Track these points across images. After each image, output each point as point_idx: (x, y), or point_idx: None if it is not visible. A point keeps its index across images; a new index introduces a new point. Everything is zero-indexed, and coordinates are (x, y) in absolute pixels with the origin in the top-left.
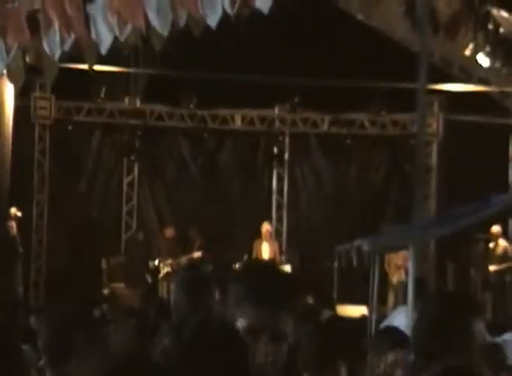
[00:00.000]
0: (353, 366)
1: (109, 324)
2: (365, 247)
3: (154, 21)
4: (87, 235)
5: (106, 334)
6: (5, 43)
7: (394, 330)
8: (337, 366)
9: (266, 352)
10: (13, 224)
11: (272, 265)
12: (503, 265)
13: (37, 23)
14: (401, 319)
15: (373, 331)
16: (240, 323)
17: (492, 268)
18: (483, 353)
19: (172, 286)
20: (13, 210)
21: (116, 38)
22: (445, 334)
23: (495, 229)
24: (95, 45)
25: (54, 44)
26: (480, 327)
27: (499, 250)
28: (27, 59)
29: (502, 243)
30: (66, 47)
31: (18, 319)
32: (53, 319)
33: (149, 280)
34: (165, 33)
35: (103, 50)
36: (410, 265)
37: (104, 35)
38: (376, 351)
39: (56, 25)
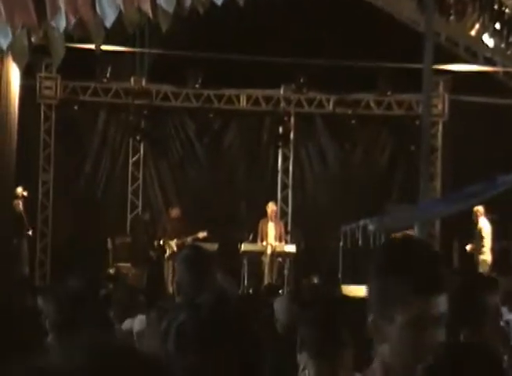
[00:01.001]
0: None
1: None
2: (371, 227)
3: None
4: (92, 215)
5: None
6: (12, 23)
7: None
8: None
9: None
10: (20, 203)
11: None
12: (471, 245)
13: (44, 4)
14: None
15: None
16: None
17: (467, 247)
18: (498, 329)
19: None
20: (20, 189)
21: (121, 18)
22: (461, 311)
23: (478, 208)
24: (102, 25)
25: (60, 24)
26: (495, 303)
27: (477, 228)
28: (33, 39)
29: (481, 222)
30: (72, 27)
31: (24, 298)
32: (61, 297)
33: (154, 258)
34: (171, 11)
35: (108, 24)
36: None
37: (108, 10)
38: None
39: (62, 5)
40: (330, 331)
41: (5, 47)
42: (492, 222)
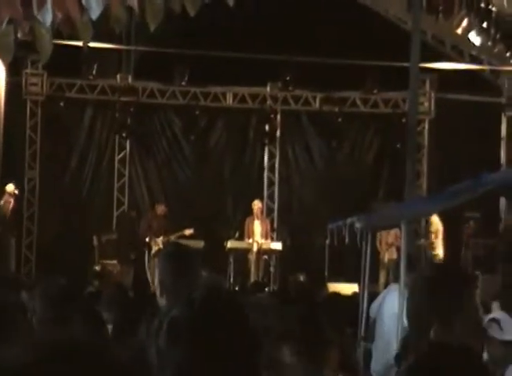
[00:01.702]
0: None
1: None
2: (358, 225)
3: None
4: (78, 212)
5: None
6: None
7: None
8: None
9: None
10: (11, 200)
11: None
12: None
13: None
14: (393, 297)
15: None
16: None
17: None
18: (475, 327)
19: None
20: (10, 187)
21: (108, 15)
22: (436, 308)
23: None
24: (89, 22)
25: (46, 19)
26: (473, 299)
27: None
28: (19, 35)
29: (432, 218)
30: (59, 23)
31: (10, 295)
32: (47, 295)
33: (132, 257)
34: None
35: (93, 16)
36: (402, 243)
37: (94, 4)
38: None
39: (49, 1)
40: (314, 330)
41: None
42: (476, 220)
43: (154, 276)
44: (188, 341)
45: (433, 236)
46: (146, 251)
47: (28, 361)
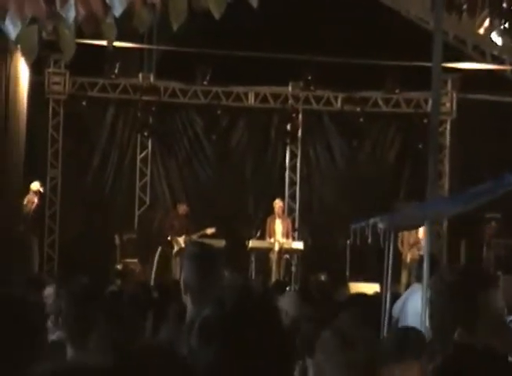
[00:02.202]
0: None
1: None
2: (381, 225)
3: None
4: (100, 210)
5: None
6: (21, 13)
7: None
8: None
9: None
10: (35, 200)
11: None
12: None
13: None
14: (416, 297)
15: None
16: None
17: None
18: (499, 328)
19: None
20: (36, 185)
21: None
22: (458, 311)
23: None
24: (114, 22)
25: (69, 15)
26: (496, 301)
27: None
28: (43, 34)
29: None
30: (83, 21)
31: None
32: (72, 294)
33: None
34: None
35: (116, 13)
36: (425, 244)
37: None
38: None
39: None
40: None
41: (13, 37)
42: (497, 220)
43: (176, 275)
44: (220, 340)
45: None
46: (168, 250)
47: (108, 366)
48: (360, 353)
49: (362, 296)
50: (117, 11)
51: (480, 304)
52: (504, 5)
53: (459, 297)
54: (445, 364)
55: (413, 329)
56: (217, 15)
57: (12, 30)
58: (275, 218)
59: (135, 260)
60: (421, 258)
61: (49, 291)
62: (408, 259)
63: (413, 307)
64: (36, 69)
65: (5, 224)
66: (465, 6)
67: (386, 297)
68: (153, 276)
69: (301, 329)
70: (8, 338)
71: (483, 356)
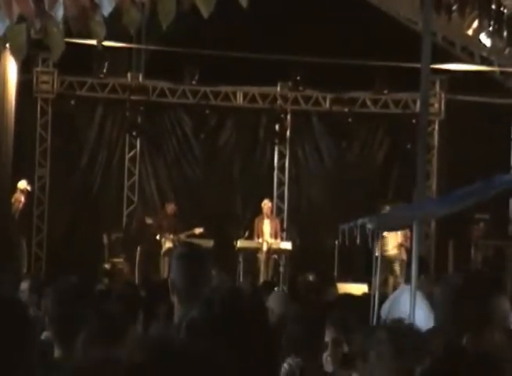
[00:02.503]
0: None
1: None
2: (369, 226)
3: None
4: (88, 210)
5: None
6: (9, 11)
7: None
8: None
9: None
10: (22, 198)
11: None
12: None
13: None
14: (405, 297)
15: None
16: None
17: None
18: (507, 334)
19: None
20: (23, 183)
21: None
22: (467, 316)
23: None
24: (103, 21)
25: (58, 14)
26: (505, 305)
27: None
28: (32, 33)
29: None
30: (72, 21)
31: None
32: (59, 293)
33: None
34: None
35: (105, 13)
36: (413, 244)
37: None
38: None
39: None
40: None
41: (1, 33)
42: (486, 221)
43: (164, 275)
44: (207, 341)
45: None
46: (156, 250)
47: (140, 361)
48: (410, 360)
49: (350, 297)
50: (106, 10)
51: (490, 309)
52: (493, 6)
53: (469, 302)
54: (434, 367)
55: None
56: (205, 14)
57: (1, 27)
58: (263, 219)
59: (123, 259)
60: (409, 259)
61: (24, 285)
62: (394, 259)
63: (401, 308)
64: (24, 68)
65: None
66: (454, 7)
67: (374, 297)
68: (136, 275)
69: (288, 328)
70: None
71: (473, 359)
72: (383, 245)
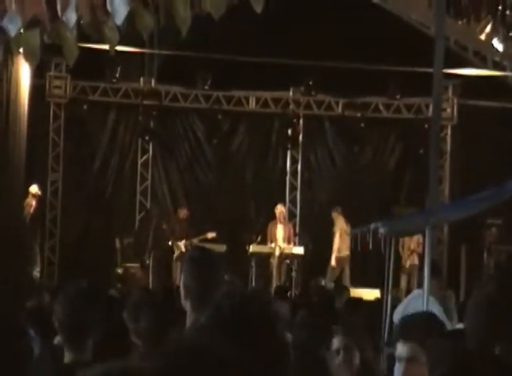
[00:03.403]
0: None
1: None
2: (382, 231)
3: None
4: (101, 214)
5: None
6: (22, 13)
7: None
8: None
9: None
10: (33, 202)
11: None
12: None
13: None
14: (417, 302)
15: (388, 315)
16: None
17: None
18: None
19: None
20: (34, 188)
21: (134, 20)
22: (496, 321)
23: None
24: (116, 26)
25: (71, 18)
26: None
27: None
28: (45, 38)
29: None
30: (86, 26)
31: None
32: (70, 298)
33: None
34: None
35: (118, 21)
36: (426, 249)
37: (119, 7)
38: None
39: (74, 3)
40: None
41: (13, 34)
42: (498, 226)
43: (177, 280)
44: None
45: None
46: (169, 255)
47: (160, 369)
48: None
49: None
50: (119, 19)
51: None
52: (508, 12)
53: (499, 312)
54: (453, 371)
55: (430, 315)
56: (216, 16)
57: (12, 27)
58: (276, 223)
59: (136, 264)
60: (421, 263)
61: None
62: (407, 264)
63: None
64: (37, 72)
65: (8, 224)
66: (470, 11)
67: (387, 302)
68: (150, 280)
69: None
70: None
71: (493, 364)
72: (396, 249)
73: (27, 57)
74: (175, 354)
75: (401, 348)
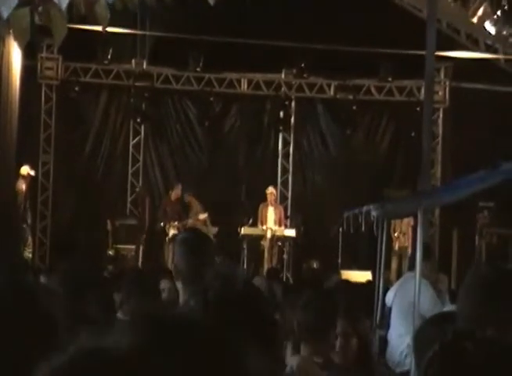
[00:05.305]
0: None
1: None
2: (374, 213)
3: None
4: (92, 196)
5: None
6: None
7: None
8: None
9: None
10: (23, 186)
11: None
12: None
13: None
14: (409, 285)
15: (380, 296)
16: None
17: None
18: None
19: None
20: (26, 168)
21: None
22: (494, 310)
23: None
24: (107, 7)
25: (63, 3)
26: None
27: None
28: (36, 19)
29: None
30: (78, 5)
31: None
32: (66, 280)
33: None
34: None
35: None
36: (418, 232)
37: None
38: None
39: None
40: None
41: (5, 16)
42: (490, 209)
43: (169, 262)
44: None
45: None
46: (161, 237)
47: (132, 347)
48: None
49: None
50: None
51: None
52: None
53: (500, 296)
54: (443, 351)
55: None
56: (212, 1)
57: (5, 9)
58: (267, 206)
59: (128, 246)
60: (413, 246)
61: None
62: (397, 247)
63: (406, 296)
64: (29, 54)
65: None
66: None
67: (379, 284)
68: (140, 261)
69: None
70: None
71: (483, 344)
72: (388, 232)
73: (17, 37)
74: (158, 329)
75: None
